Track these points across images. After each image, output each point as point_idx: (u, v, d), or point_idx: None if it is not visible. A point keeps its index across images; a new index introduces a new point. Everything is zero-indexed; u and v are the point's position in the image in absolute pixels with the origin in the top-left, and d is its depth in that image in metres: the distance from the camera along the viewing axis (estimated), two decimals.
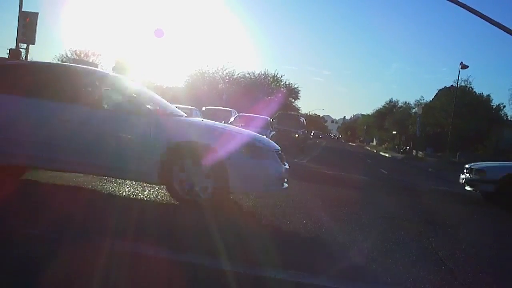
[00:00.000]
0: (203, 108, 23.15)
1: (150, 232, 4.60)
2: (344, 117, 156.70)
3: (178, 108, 8.31)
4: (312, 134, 38.28)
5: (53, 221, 4.53)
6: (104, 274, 3.30)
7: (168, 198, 6.20)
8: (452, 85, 43.01)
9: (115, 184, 6.98)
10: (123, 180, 7.10)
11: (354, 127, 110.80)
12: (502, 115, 45.15)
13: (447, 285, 4.18)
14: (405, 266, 4.52)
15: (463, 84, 42.15)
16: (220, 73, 52.52)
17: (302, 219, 6.14)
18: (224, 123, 20.33)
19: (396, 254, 4.98)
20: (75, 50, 48.86)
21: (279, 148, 6.51)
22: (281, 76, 57.35)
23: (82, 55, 48.31)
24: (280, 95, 50.60)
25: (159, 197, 6.45)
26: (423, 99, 52.35)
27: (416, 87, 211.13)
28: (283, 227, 5.77)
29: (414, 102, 55.83)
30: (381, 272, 4.26)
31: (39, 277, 3.14)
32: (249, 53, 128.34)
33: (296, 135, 24.79)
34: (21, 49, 19.32)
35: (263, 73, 55.99)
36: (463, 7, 15.46)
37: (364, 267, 4.37)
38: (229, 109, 25.75)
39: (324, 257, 4.57)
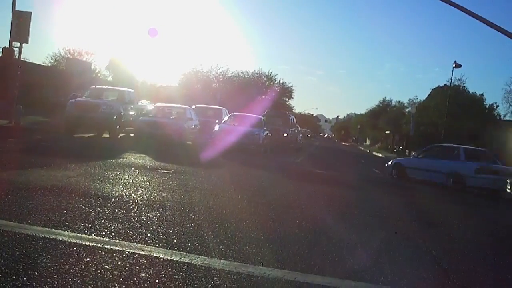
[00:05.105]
0: (193, 106, 22.89)
1: None
2: (338, 116, 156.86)
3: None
4: (300, 133, 32.49)
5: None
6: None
7: None
8: (445, 84, 43.14)
9: (108, 185, 6.94)
10: (116, 180, 7.08)
11: (347, 126, 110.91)
12: (496, 114, 45.27)
13: (441, 284, 4.17)
14: (399, 266, 4.51)
15: (456, 83, 42.34)
16: (214, 72, 52.51)
17: (296, 220, 6.14)
18: (216, 121, 20.48)
19: (390, 254, 4.97)
20: (69, 49, 48.55)
21: None
22: (275, 75, 57.41)
23: (75, 54, 47.96)
24: (274, 94, 50.52)
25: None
26: (417, 98, 52.69)
27: (409, 86, 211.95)
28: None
29: (408, 102, 56.17)
30: (375, 271, 4.25)
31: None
32: (242, 52, 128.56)
33: (285, 134, 24.22)
34: (14, 48, 19.17)
35: (257, 72, 56.00)
36: (456, 7, 15.49)
37: (359, 266, 4.35)
38: (220, 107, 25.55)
39: (314, 257, 4.55)
